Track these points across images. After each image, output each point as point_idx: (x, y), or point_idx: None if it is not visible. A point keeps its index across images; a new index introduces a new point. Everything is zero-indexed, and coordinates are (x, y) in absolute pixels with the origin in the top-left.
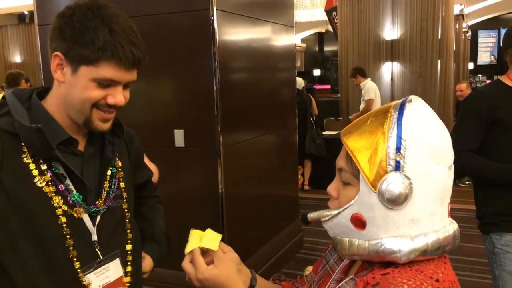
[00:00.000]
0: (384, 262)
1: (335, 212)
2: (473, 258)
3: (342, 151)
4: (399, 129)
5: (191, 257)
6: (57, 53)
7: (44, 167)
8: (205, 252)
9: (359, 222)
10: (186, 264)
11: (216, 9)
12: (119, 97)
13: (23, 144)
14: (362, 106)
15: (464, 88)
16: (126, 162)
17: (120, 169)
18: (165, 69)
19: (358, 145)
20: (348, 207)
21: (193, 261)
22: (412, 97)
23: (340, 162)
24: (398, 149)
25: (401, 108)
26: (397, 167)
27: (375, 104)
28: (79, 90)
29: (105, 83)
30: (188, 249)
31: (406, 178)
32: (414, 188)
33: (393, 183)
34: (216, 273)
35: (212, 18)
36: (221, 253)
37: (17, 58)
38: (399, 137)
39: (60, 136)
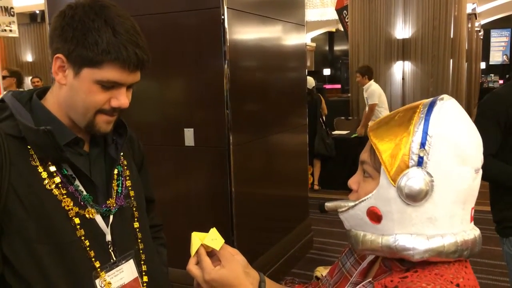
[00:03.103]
0: (400, 264)
1: (352, 203)
2: (488, 260)
3: (367, 145)
4: (426, 124)
5: (197, 259)
6: (59, 55)
7: (52, 169)
8: (212, 255)
9: (374, 216)
10: (191, 266)
11: (227, 8)
12: (123, 99)
13: (29, 147)
14: (367, 109)
15: None
16: (131, 161)
17: (125, 167)
18: (175, 68)
19: (382, 140)
20: (365, 199)
21: (200, 262)
22: (444, 96)
23: (364, 155)
24: (422, 145)
25: (431, 105)
26: (420, 162)
27: (379, 110)
28: (82, 93)
29: (109, 85)
30: (193, 251)
31: (428, 175)
32: (435, 186)
33: (414, 178)
34: (224, 273)
35: (222, 16)
36: (228, 254)
37: (29, 57)
38: (425, 133)
39: (67, 136)
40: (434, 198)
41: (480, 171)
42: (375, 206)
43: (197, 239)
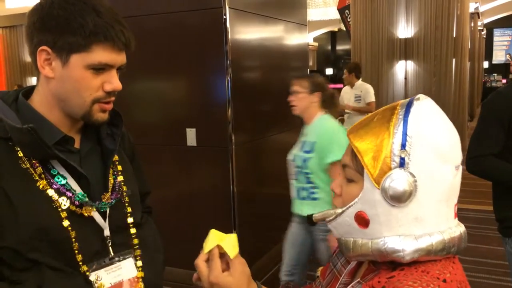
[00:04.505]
0: (388, 262)
1: (339, 210)
2: (490, 260)
3: (348, 148)
4: (405, 125)
5: (208, 257)
6: (43, 47)
7: (43, 169)
8: (220, 256)
9: (362, 221)
10: (200, 262)
11: (229, 8)
12: (115, 82)
13: (18, 148)
14: (353, 106)
15: None
16: (123, 155)
17: (117, 162)
18: (177, 68)
19: (363, 141)
20: (352, 205)
21: (210, 261)
22: (420, 95)
23: (345, 158)
24: (403, 146)
25: (409, 105)
26: (402, 163)
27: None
28: (74, 82)
29: (99, 68)
30: (207, 248)
31: (410, 175)
32: (418, 186)
33: (397, 180)
34: (230, 282)
35: (224, 16)
36: (238, 263)
37: None
38: (404, 134)
39: (55, 135)
40: (418, 198)
41: (460, 168)
42: (362, 211)
43: (215, 238)
